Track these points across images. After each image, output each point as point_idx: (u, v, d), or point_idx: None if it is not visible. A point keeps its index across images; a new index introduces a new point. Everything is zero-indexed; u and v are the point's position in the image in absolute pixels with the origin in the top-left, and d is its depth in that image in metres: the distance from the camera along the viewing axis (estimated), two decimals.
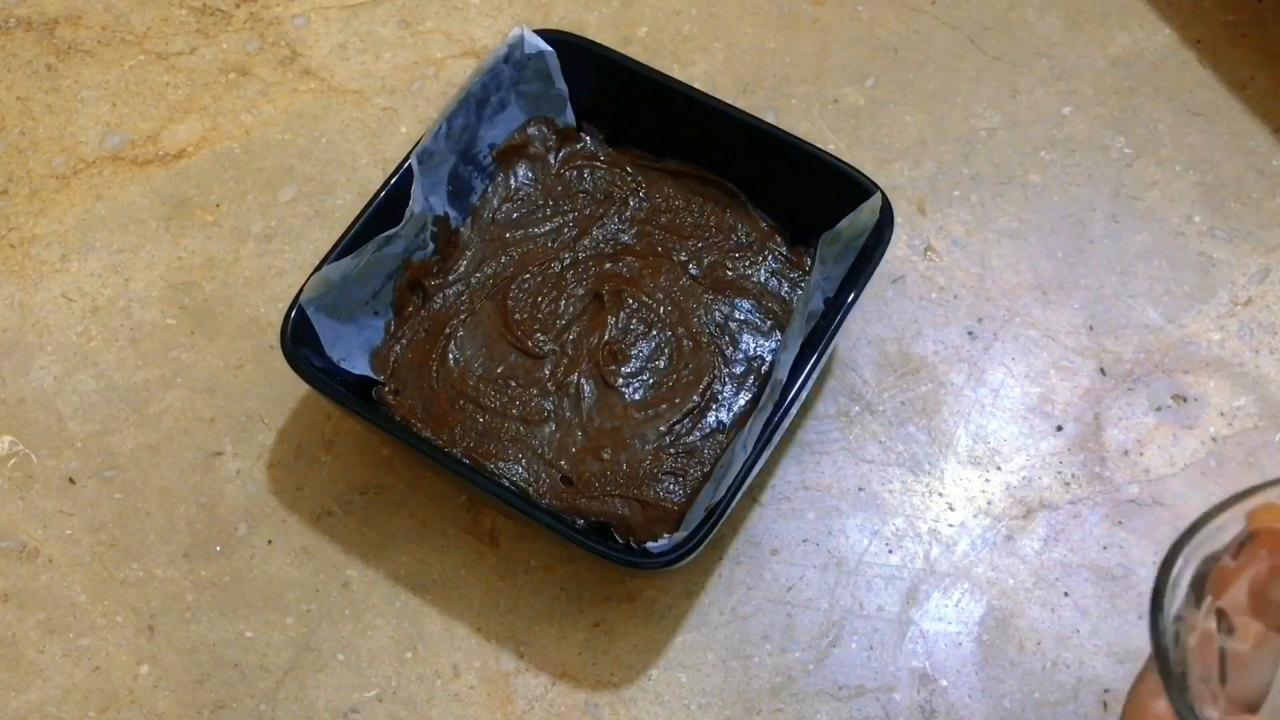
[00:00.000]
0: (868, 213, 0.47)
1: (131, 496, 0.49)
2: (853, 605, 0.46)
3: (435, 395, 0.48)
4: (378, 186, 0.47)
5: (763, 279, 0.50)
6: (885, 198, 0.46)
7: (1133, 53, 0.58)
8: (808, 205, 0.49)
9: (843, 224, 0.47)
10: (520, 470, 0.46)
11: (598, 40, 0.51)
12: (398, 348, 0.48)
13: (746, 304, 0.49)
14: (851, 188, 0.47)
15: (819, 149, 0.48)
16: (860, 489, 0.48)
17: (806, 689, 0.45)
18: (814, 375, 0.45)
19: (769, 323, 0.49)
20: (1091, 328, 0.51)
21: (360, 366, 0.48)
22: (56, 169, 0.56)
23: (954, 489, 0.48)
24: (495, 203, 0.51)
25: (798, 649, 0.46)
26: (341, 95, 0.57)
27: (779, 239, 0.51)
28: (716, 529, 0.42)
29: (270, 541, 0.48)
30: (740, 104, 0.50)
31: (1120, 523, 0.48)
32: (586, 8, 0.59)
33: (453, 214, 0.50)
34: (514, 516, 0.47)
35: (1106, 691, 0.45)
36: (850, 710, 0.45)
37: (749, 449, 0.43)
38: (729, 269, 0.50)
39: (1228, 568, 0.31)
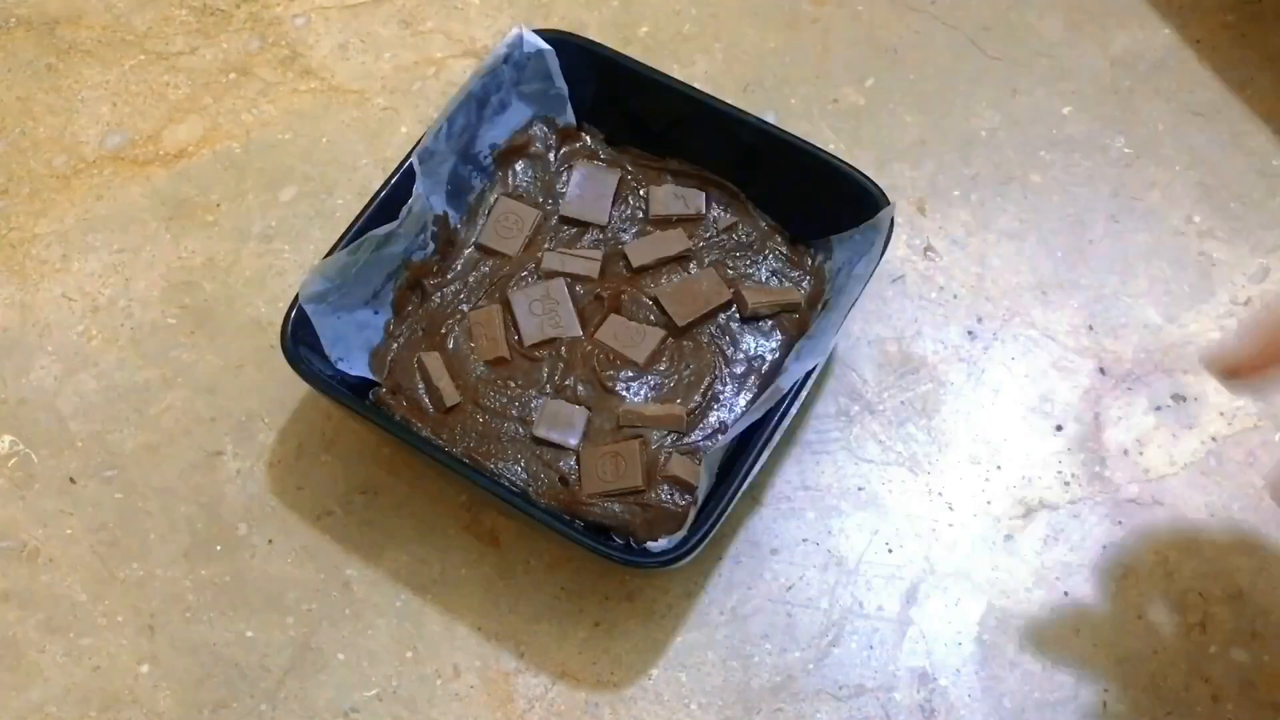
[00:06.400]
0: (878, 222, 0.47)
1: (132, 496, 0.49)
2: (853, 605, 0.46)
3: (435, 395, 0.48)
4: (378, 186, 0.47)
5: (763, 278, 0.50)
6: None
7: (1133, 53, 0.58)
8: (808, 205, 0.49)
9: (856, 233, 0.47)
10: (520, 470, 0.46)
11: (598, 40, 0.51)
12: (395, 346, 0.48)
13: None
14: (859, 194, 0.47)
15: (822, 150, 0.48)
16: (860, 489, 0.48)
17: (806, 688, 0.45)
18: (814, 375, 0.45)
19: (770, 322, 0.49)
20: (1091, 327, 0.51)
21: (360, 366, 0.48)
22: (57, 169, 0.56)
23: (954, 489, 0.48)
24: (494, 201, 0.51)
25: (798, 648, 0.46)
26: (342, 95, 0.57)
27: (779, 238, 0.51)
28: (716, 529, 0.42)
29: (271, 541, 0.48)
30: (740, 104, 0.50)
31: (1120, 523, 0.48)
32: (587, 7, 0.59)
33: (452, 213, 0.50)
34: (514, 516, 0.47)
35: (1106, 691, 0.45)
36: (850, 710, 0.45)
37: (748, 449, 0.43)
38: (729, 268, 0.50)
39: None
